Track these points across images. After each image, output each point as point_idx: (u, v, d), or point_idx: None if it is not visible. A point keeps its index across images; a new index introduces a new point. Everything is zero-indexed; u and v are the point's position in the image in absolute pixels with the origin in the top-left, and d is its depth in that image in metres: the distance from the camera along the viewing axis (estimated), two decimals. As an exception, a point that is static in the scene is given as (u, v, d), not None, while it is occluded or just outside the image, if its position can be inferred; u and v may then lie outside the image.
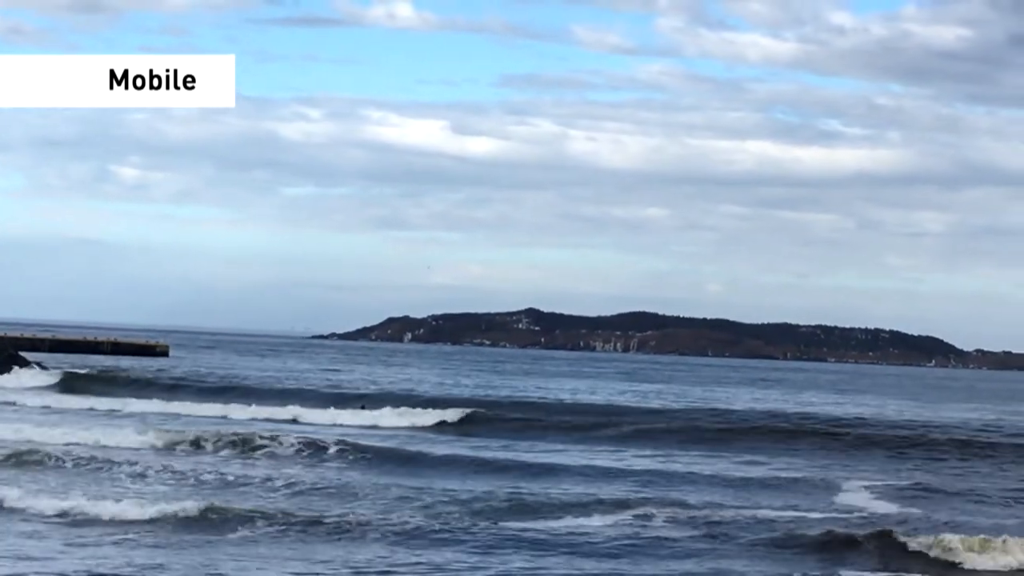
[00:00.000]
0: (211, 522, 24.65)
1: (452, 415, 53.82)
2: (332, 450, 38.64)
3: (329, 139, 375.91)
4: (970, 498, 33.33)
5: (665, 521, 26.50)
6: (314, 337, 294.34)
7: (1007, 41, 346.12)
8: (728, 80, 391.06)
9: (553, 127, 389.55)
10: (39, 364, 79.29)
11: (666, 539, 24.77)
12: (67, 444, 37.69)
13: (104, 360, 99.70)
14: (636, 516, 26.98)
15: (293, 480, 31.61)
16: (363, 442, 41.26)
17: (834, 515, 28.67)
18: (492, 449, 42.84)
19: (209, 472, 32.44)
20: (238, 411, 54.07)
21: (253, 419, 51.59)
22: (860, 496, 32.45)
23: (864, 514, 29.09)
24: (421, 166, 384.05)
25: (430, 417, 53.51)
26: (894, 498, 32.13)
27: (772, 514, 28.07)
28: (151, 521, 24.83)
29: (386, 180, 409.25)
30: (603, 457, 41.42)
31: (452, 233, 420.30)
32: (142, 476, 31.45)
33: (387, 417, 53.73)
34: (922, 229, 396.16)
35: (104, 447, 37.85)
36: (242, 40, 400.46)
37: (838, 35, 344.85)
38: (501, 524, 25.66)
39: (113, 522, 24.84)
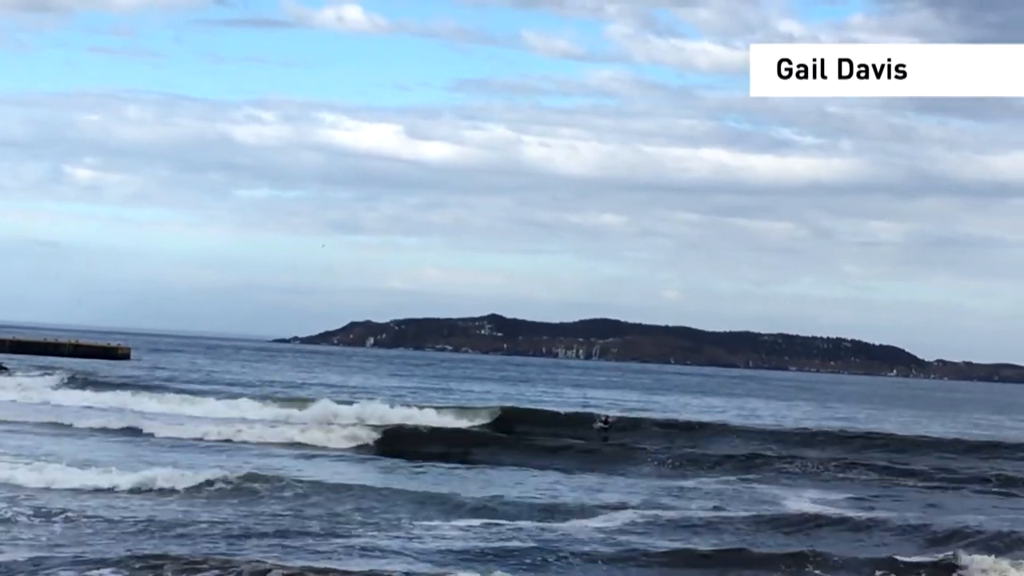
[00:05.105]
0: None
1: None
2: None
3: (283, 142, 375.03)
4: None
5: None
6: (276, 341, 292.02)
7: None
8: (679, 87, 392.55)
9: (507, 132, 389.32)
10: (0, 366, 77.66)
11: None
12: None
13: (67, 362, 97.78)
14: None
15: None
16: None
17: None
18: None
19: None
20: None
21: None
22: None
23: None
24: (376, 170, 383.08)
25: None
26: None
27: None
28: None
29: (341, 184, 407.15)
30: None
31: (409, 238, 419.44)
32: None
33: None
34: (877, 238, 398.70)
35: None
36: (190, 41, 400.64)
37: (787, 43, 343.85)
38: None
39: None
